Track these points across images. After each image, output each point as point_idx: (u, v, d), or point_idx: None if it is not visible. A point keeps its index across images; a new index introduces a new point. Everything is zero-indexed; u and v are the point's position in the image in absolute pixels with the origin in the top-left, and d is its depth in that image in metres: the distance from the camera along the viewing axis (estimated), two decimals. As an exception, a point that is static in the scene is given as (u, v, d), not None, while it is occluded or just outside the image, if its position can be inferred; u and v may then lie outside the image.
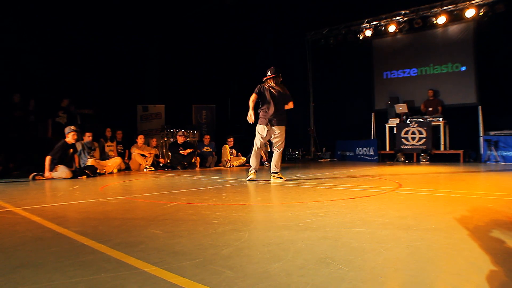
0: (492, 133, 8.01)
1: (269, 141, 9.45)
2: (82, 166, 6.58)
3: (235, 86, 11.67)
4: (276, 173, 5.03)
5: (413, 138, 8.85)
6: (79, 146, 6.76)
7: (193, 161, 8.18)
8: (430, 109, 9.31)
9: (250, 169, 5.16)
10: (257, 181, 4.93)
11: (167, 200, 3.24)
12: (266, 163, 8.67)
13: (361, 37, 10.56)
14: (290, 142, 11.79)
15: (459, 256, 1.52)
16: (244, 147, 9.36)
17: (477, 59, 9.04)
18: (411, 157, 8.95)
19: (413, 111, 9.63)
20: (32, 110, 7.92)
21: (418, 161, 8.70)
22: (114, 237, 1.95)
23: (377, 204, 2.83)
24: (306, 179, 4.99)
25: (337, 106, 11.48)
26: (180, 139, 8.29)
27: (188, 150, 8.09)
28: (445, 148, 8.89)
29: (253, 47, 12.17)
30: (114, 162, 7.17)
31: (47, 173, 5.82)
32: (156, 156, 8.42)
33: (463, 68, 9.33)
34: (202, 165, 8.53)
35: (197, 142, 9.79)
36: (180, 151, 8.02)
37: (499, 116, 8.21)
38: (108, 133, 8.10)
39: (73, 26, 9.37)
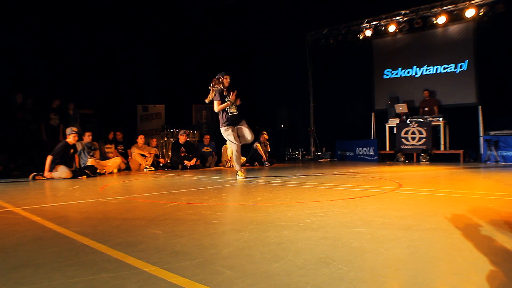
0: (492, 133, 8.00)
1: (268, 141, 9.40)
2: (82, 166, 6.59)
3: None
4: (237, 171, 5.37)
5: (413, 138, 8.85)
6: (79, 146, 6.77)
7: (197, 163, 8.11)
8: (426, 109, 9.32)
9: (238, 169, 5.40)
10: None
11: (167, 200, 3.24)
12: (267, 163, 8.67)
13: (361, 37, 10.56)
14: (290, 142, 11.82)
15: (459, 256, 1.52)
16: (244, 147, 9.34)
17: (477, 59, 9.03)
18: (411, 157, 8.95)
19: (413, 111, 9.63)
20: (31, 109, 7.92)
21: (418, 161, 8.70)
22: (114, 237, 1.95)
23: (377, 204, 2.83)
24: (306, 179, 4.99)
25: (337, 106, 11.48)
26: (182, 138, 8.29)
27: (194, 160, 8.02)
28: (445, 148, 8.89)
29: (253, 47, 12.17)
30: (114, 162, 7.17)
31: (46, 173, 5.82)
32: (156, 156, 8.41)
33: (463, 68, 9.33)
34: (202, 165, 8.53)
35: (197, 142, 9.79)
36: (185, 161, 7.96)
37: (499, 116, 8.21)
38: (111, 135, 8.08)
39: (74, 26, 9.37)
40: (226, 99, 5.23)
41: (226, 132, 5.33)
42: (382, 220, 2.21)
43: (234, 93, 5.21)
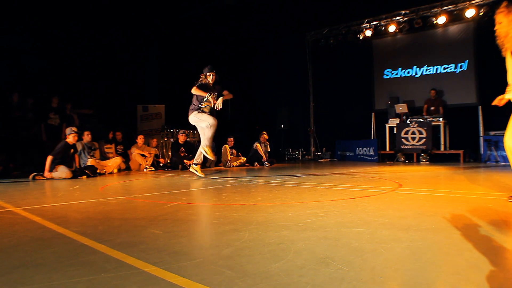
0: (492, 133, 8.00)
1: (268, 141, 9.37)
2: (82, 166, 6.58)
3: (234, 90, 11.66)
4: (196, 164, 5.36)
5: (413, 138, 8.84)
6: (79, 146, 6.77)
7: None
8: (432, 108, 9.29)
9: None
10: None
11: (167, 200, 3.24)
12: (267, 163, 8.67)
13: (361, 37, 10.56)
14: (290, 142, 11.82)
15: (459, 256, 1.52)
16: (244, 147, 9.36)
17: (477, 59, 9.03)
18: (411, 157, 8.95)
19: (413, 111, 9.63)
20: (30, 109, 7.91)
21: (418, 161, 8.70)
22: (114, 237, 1.95)
23: (377, 204, 2.83)
24: (306, 179, 4.99)
25: (337, 106, 11.48)
26: (182, 138, 8.30)
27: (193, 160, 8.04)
28: (445, 148, 8.89)
29: (253, 47, 12.17)
30: (114, 162, 7.17)
31: (46, 173, 5.82)
32: (156, 156, 8.41)
33: (463, 68, 9.33)
34: (202, 165, 8.51)
35: (197, 142, 9.79)
36: (185, 161, 7.97)
37: (499, 116, 8.19)
38: (111, 135, 8.08)
39: (74, 26, 9.37)
40: (207, 96, 5.21)
41: (198, 116, 5.22)
42: (382, 220, 2.21)
43: (220, 100, 5.19)
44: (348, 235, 1.87)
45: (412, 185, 4.06)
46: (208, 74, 5.22)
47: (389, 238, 1.81)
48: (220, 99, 5.19)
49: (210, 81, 5.25)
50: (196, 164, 5.37)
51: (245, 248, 1.69)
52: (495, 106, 3.25)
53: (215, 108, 5.22)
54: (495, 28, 2.91)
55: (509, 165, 2.89)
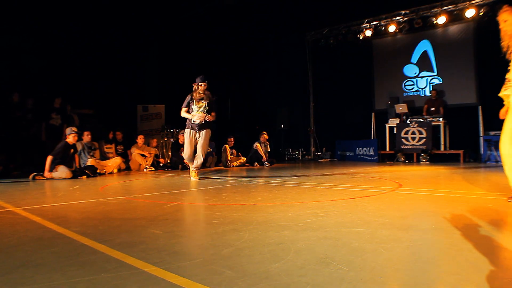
0: (492, 133, 8.00)
1: (268, 141, 9.37)
2: (82, 166, 6.58)
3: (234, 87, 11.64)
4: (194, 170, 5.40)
5: (413, 138, 8.84)
6: (79, 146, 6.77)
7: None
8: (433, 108, 9.28)
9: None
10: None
11: (167, 200, 3.24)
12: (267, 163, 8.67)
13: (361, 37, 10.55)
14: (290, 142, 11.82)
15: (459, 256, 1.52)
16: (244, 147, 9.36)
17: (477, 59, 9.02)
18: (411, 157, 8.95)
19: (413, 111, 9.62)
20: (30, 109, 7.91)
21: (418, 161, 8.70)
22: (114, 237, 1.95)
23: (377, 204, 2.83)
24: (306, 179, 4.99)
25: (337, 106, 11.47)
26: (182, 138, 8.30)
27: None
28: (445, 148, 8.88)
29: (253, 47, 12.17)
30: (114, 162, 7.17)
31: (46, 173, 5.82)
32: (156, 156, 8.41)
33: (463, 68, 9.32)
34: (202, 165, 8.52)
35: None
36: (185, 161, 7.98)
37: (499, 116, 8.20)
38: (111, 135, 8.08)
39: (74, 26, 9.37)
40: (193, 106, 5.28)
41: (185, 134, 5.37)
42: (382, 220, 2.21)
43: (211, 115, 5.29)
44: (348, 235, 1.87)
45: (412, 185, 4.06)
46: (200, 84, 5.28)
47: (389, 238, 1.81)
48: (210, 116, 5.30)
49: (200, 91, 5.29)
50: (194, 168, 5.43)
51: (245, 248, 1.69)
52: (495, 106, 3.26)
53: (206, 119, 5.29)
54: (500, 27, 2.92)
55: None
